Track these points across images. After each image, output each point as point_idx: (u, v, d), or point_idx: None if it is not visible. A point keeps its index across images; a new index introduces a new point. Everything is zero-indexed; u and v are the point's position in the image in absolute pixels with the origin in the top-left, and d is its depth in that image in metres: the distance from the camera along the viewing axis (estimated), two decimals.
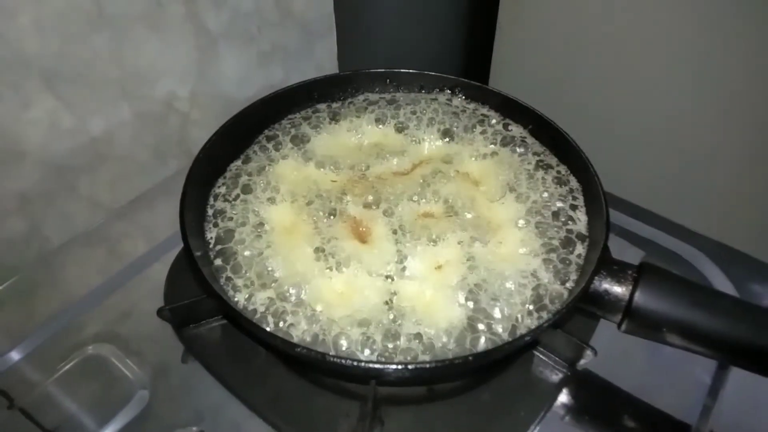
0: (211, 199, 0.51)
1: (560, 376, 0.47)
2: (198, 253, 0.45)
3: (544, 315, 0.43)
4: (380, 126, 0.59)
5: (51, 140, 0.54)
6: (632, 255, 0.58)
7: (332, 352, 0.41)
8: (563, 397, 0.47)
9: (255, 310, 0.43)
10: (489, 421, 0.45)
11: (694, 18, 0.76)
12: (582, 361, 0.46)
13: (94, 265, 0.58)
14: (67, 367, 0.48)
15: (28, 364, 0.49)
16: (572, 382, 0.47)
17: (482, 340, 0.42)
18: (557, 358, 0.47)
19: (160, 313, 0.46)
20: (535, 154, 0.56)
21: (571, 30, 0.90)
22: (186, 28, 0.60)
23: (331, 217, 0.50)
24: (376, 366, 0.38)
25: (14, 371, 0.48)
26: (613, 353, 0.47)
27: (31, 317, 0.52)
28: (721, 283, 0.56)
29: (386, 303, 0.44)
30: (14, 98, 0.50)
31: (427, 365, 0.38)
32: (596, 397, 0.49)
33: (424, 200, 0.52)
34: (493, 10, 0.98)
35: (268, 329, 0.42)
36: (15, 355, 0.49)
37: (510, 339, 0.42)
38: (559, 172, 0.54)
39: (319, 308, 0.44)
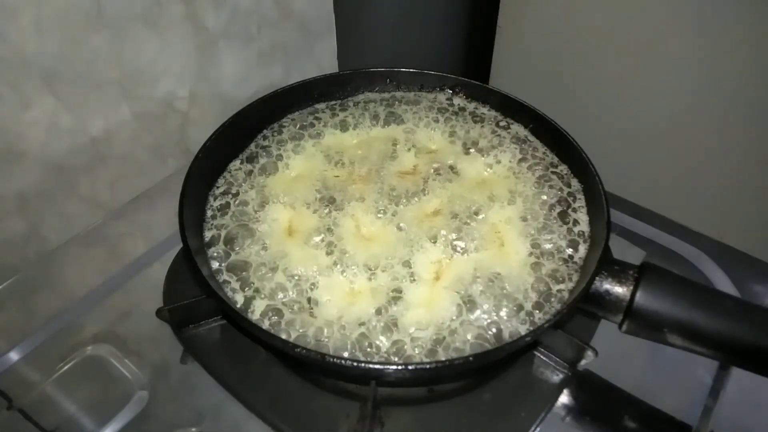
0: (211, 199, 0.51)
1: (561, 376, 0.47)
2: (197, 253, 0.44)
3: (545, 315, 0.43)
4: (381, 125, 0.59)
5: (51, 140, 0.54)
6: (633, 255, 0.58)
7: (332, 353, 0.41)
8: (564, 398, 0.46)
9: (254, 311, 0.43)
10: (489, 421, 0.44)
11: (695, 17, 0.76)
12: (583, 362, 0.45)
13: (93, 265, 0.58)
14: (66, 367, 0.48)
15: (27, 364, 0.49)
16: (573, 383, 0.47)
17: (483, 340, 0.42)
18: (558, 359, 0.47)
19: (159, 313, 0.46)
20: (536, 153, 0.55)
21: (571, 29, 0.89)
22: (185, 27, 0.60)
23: (332, 216, 0.50)
24: (377, 366, 0.38)
25: (13, 372, 0.48)
26: (614, 354, 0.47)
27: (30, 317, 0.52)
28: (722, 282, 0.55)
29: (388, 303, 0.44)
30: (14, 98, 0.50)
31: (428, 366, 0.38)
32: (597, 397, 0.49)
33: (425, 199, 0.51)
34: (493, 10, 0.98)
35: (267, 330, 0.42)
36: (14, 356, 0.49)
37: (510, 339, 0.42)
38: (560, 171, 0.54)
39: (319, 308, 0.44)
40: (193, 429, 0.45)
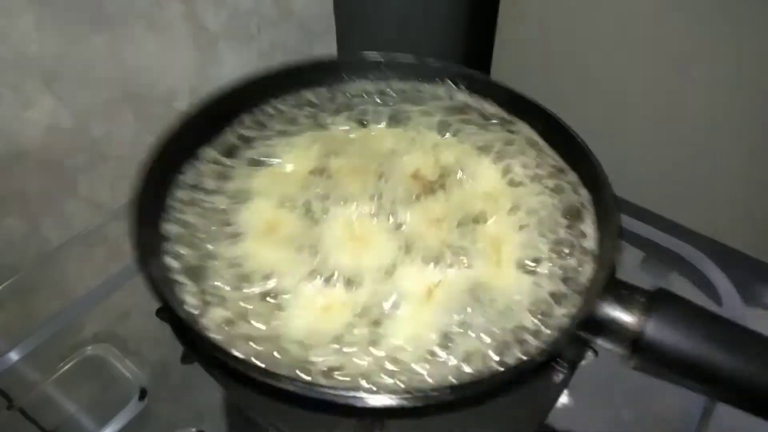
0: (176, 191, 0.45)
1: (561, 376, 0.46)
2: (151, 252, 0.39)
3: (543, 338, 0.39)
4: (375, 121, 0.55)
5: (51, 140, 0.54)
6: (633, 255, 0.57)
7: (310, 379, 0.35)
8: (564, 398, 0.46)
9: (213, 318, 0.38)
10: (489, 422, 0.44)
11: (697, 17, 0.76)
12: (583, 362, 0.45)
13: (93, 265, 0.58)
14: (67, 367, 0.48)
15: (27, 364, 0.49)
16: (573, 383, 0.46)
17: (474, 366, 0.38)
18: (558, 359, 0.47)
19: (159, 313, 0.46)
20: (543, 157, 0.52)
21: (571, 27, 0.89)
22: (185, 27, 0.60)
23: (317, 217, 0.45)
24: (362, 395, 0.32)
25: (13, 371, 0.48)
26: (614, 354, 0.47)
27: (30, 317, 0.52)
28: (722, 282, 0.55)
29: (372, 318, 0.39)
30: (14, 98, 0.50)
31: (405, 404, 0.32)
32: (598, 397, 0.48)
33: (420, 204, 0.48)
34: (494, 9, 0.98)
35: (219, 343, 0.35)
36: (14, 356, 0.49)
37: (500, 368, 0.37)
38: (569, 180, 0.50)
39: (292, 317, 0.38)
40: (193, 429, 0.45)
